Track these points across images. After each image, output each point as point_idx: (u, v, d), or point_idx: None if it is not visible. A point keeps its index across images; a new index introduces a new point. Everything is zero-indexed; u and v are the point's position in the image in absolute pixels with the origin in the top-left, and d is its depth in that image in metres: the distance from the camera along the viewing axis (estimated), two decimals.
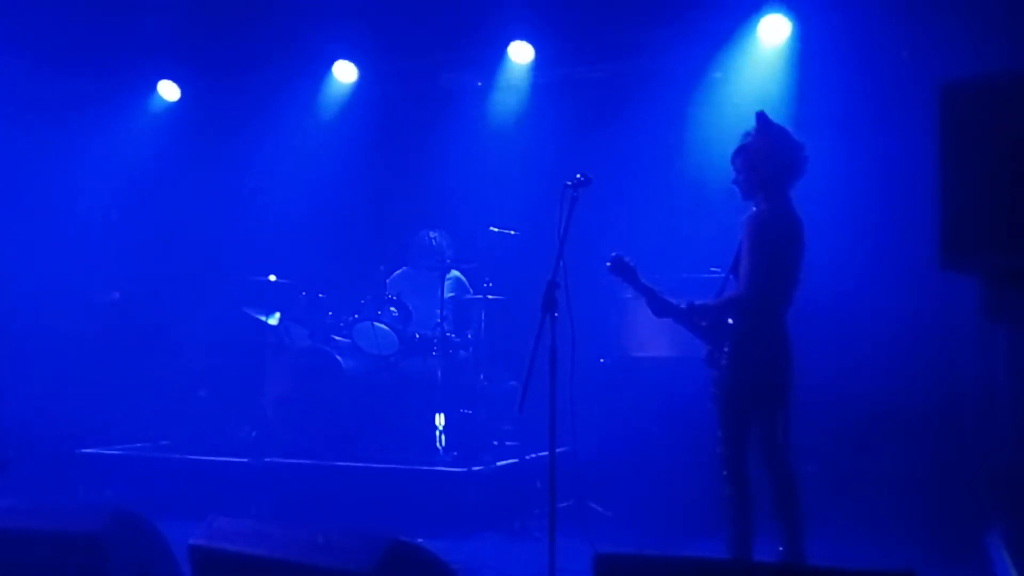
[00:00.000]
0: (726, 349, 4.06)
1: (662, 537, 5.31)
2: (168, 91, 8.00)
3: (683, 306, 4.17)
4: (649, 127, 6.81)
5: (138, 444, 6.92)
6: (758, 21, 6.51)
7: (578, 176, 4.21)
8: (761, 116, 4.16)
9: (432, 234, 6.97)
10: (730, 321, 4.08)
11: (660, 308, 4.21)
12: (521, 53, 7.18)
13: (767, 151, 4.10)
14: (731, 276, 4.15)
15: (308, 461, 6.23)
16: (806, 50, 6.48)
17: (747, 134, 4.19)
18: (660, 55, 6.84)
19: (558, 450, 4.01)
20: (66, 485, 6.28)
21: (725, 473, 4.01)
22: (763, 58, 6.57)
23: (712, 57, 6.76)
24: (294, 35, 7.15)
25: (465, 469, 5.90)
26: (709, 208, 6.25)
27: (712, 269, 6.08)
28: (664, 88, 6.81)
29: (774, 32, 6.52)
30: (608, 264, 4.24)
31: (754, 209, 4.11)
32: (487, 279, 6.55)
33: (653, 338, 6.02)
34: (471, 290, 6.90)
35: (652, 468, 5.90)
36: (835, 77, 6.29)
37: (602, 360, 6.31)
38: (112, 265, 7.82)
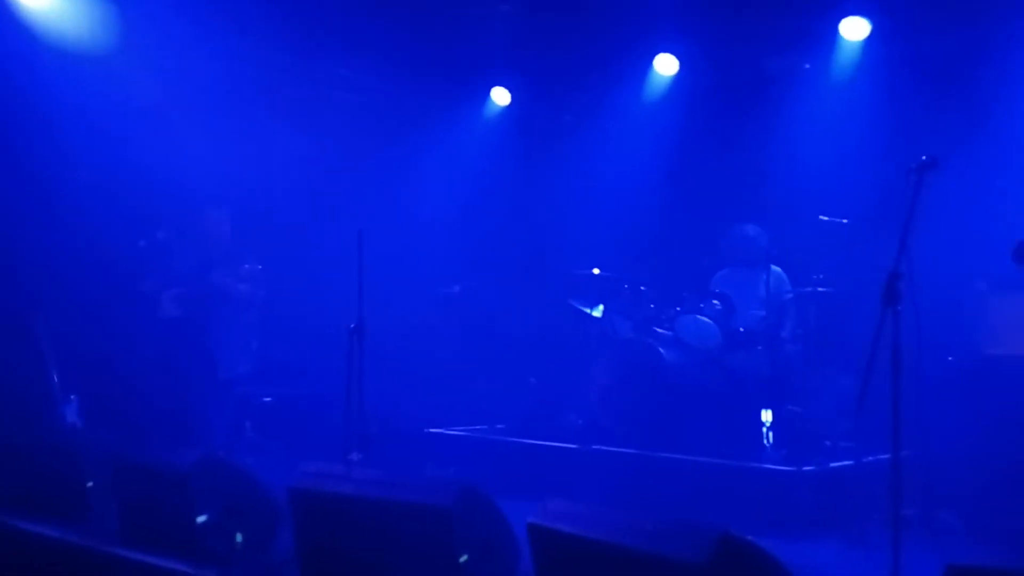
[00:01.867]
0: None
1: (1018, 551, 4.76)
2: (500, 97, 8.52)
3: None
4: (1000, 103, 6.11)
5: (477, 426, 7.43)
6: None
7: (924, 158, 3.89)
8: None
9: (747, 227, 6.80)
10: None
11: None
12: (854, 29, 6.75)
13: None
14: None
15: (634, 451, 6.32)
16: None
17: None
18: (1008, 24, 6.10)
19: (902, 453, 3.73)
20: (415, 461, 6.90)
21: None
22: None
23: None
24: (615, 33, 7.29)
25: (795, 468, 5.68)
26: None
27: None
28: (1015, 60, 6.08)
29: None
30: (1014, 249, 3.82)
31: None
32: (818, 271, 6.25)
33: (1013, 334, 5.39)
34: (789, 286, 6.63)
35: (1007, 477, 5.30)
36: None
37: (950, 358, 5.77)
38: (453, 261, 8.49)
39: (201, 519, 4.25)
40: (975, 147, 6.09)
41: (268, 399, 7.13)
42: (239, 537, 4.32)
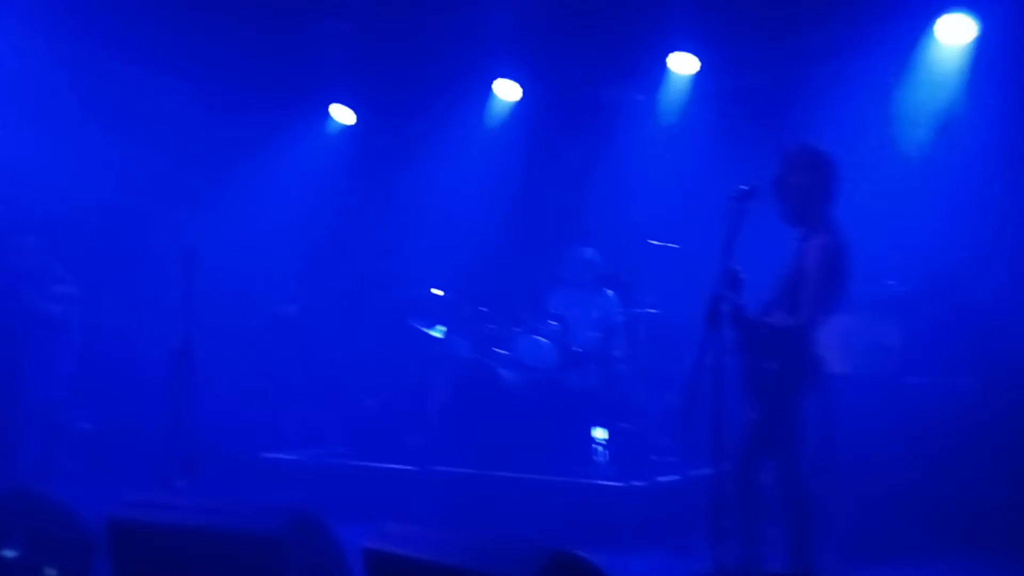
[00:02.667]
0: (773, 370, 4.06)
1: (832, 561, 5.09)
2: (342, 114, 8.42)
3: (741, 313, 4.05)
4: (818, 136, 6.57)
5: (314, 450, 7.26)
6: (936, 21, 6.21)
7: (743, 188, 4.12)
8: (806, 147, 4.20)
9: (585, 250, 7.00)
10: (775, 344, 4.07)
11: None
12: (683, 64, 7.11)
13: (820, 182, 4.17)
14: (779, 298, 4.15)
15: (471, 470, 6.35)
16: (989, 49, 6.13)
17: (792, 162, 4.20)
18: (829, 61, 6.61)
19: (723, 468, 3.92)
20: (248, 487, 6.66)
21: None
22: (944, 59, 6.25)
23: (885, 61, 6.48)
24: (458, 57, 7.36)
25: (625, 484, 5.86)
26: (884, 216, 6.01)
27: (889, 282, 5.81)
28: (834, 95, 6.57)
29: (956, 32, 6.19)
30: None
31: (819, 238, 4.12)
32: (647, 293, 6.50)
33: (833, 353, 5.78)
34: (621, 308, 6.87)
35: (823, 490, 5.66)
36: (1015, 79, 5.95)
37: None
38: (290, 279, 8.27)
39: (7, 553, 3.95)
40: None
41: (87, 425, 6.71)
42: (50, 572, 4.03)
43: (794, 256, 4.25)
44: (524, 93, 7.79)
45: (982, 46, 6.19)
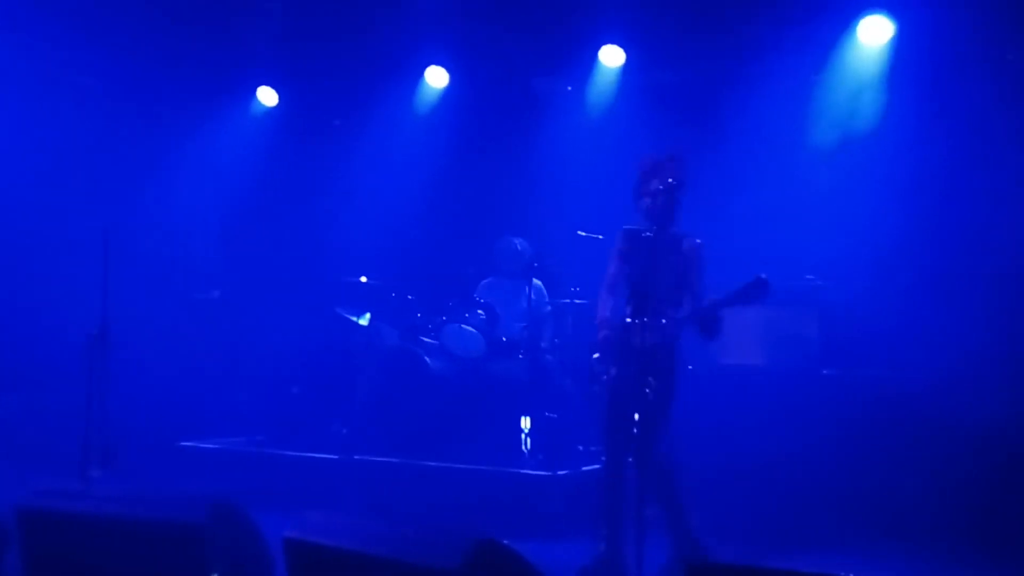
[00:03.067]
0: (665, 357, 4.45)
1: (749, 548, 5.22)
2: (267, 96, 8.26)
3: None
4: (740, 131, 6.72)
5: (235, 438, 7.13)
6: (858, 22, 6.39)
7: (670, 180, 4.18)
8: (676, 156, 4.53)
9: (514, 240, 7.01)
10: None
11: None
12: (612, 57, 7.17)
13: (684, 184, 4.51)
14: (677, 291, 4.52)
15: (396, 459, 6.33)
16: (906, 51, 6.33)
17: (670, 168, 4.50)
18: (753, 59, 6.74)
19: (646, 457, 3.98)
20: (166, 476, 6.52)
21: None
22: (863, 59, 6.43)
23: (807, 60, 6.64)
24: (387, 41, 7.29)
25: (550, 473, 5.91)
26: (802, 213, 6.17)
27: (807, 276, 5.97)
28: (757, 92, 6.71)
29: (875, 33, 6.37)
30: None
31: (696, 240, 4.59)
32: (574, 284, 6.55)
33: (742, 345, 5.93)
34: (547, 299, 6.91)
35: (739, 478, 5.81)
36: (934, 78, 6.16)
37: (690, 367, 6.24)
38: (212, 265, 8.10)
39: None
40: (717, 172, 6.64)
41: None
42: None
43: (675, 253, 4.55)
44: (454, 80, 7.75)
45: (899, 47, 6.38)
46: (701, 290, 4.51)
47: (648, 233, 4.53)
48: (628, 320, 4.56)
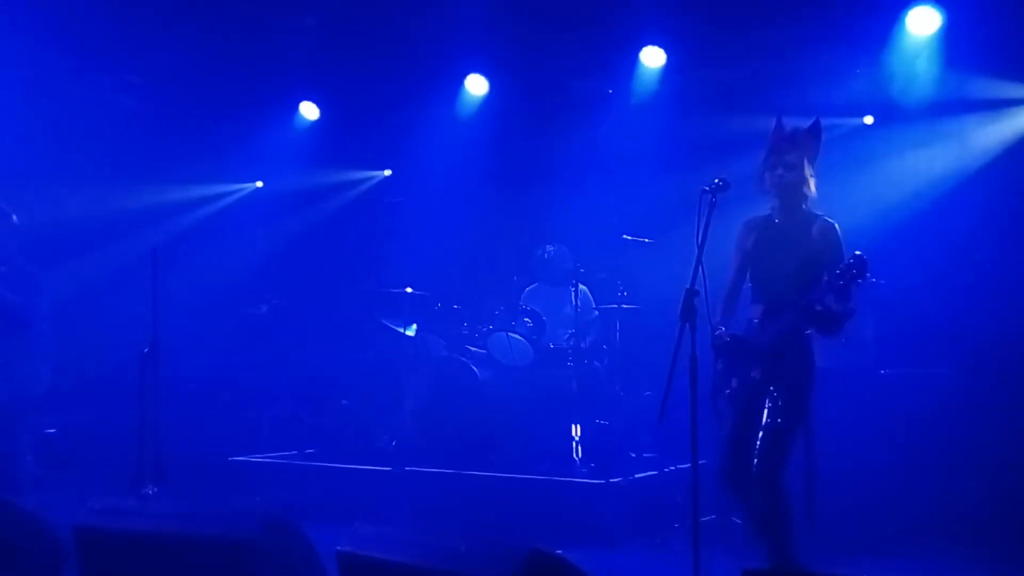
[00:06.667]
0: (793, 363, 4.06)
1: (805, 554, 5.10)
2: (309, 111, 8.32)
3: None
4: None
5: (286, 452, 7.17)
6: (906, 14, 6.25)
7: (716, 181, 4.09)
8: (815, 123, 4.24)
9: (549, 248, 6.96)
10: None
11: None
12: (653, 58, 7.09)
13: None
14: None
15: (447, 470, 6.30)
16: (954, 42, 6.18)
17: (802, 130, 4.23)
18: (798, 55, 6.63)
19: (700, 462, 3.89)
20: (218, 492, 6.56)
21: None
22: (910, 50, 6.29)
23: (854, 54, 6.50)
24: (426, 52, 7.29)
25: (603, 481, 5.83)
26: (852, 210, 6.02)
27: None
28: (803, 87, 6.58)
29: (923, 24, 6.23)
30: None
31: (828, 220, 4.14)
32: (621, 288, 6.48)
33: None
34: (594, 304, 6.84)
35: (796, 480, 5.68)
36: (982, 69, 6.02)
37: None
38: (261, 280, 8.17)
39: None
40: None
41: (52, 430, 6.57)
42: None
43: (804, 240, 4.14)
44: (494, 88, 7.72)
45: (948, 36, 6.23)
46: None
47: (776, 219, 4.19)
48: (755, 321, 4.18)
